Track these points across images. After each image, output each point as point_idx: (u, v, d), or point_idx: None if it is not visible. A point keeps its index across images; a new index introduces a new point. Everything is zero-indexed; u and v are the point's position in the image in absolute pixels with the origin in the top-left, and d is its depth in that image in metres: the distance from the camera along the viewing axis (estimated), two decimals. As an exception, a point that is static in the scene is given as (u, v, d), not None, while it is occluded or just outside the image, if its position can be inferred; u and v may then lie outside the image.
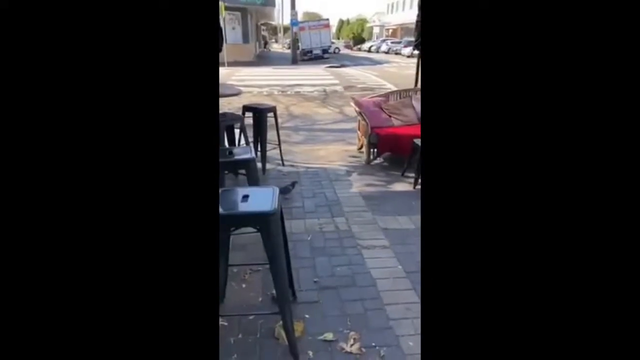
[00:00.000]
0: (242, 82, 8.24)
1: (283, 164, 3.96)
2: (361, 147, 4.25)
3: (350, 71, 9.39)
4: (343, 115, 6.35)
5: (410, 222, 2.32)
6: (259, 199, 1.23)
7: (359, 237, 2.54)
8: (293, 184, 3.15)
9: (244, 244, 2.01)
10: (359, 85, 8.53)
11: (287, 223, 2.18)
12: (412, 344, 1.31)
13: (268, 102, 6.41)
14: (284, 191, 3.13)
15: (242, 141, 2.88)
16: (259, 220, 1.14)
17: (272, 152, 4.07)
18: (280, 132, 4.46)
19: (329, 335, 1.42)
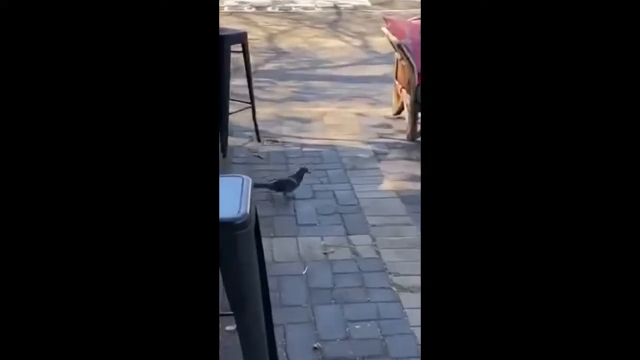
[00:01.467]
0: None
1: (259, 139, 3.95)
2: (400, 110, 4.36)
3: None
4: (367, 50, 6.32)
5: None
6: None
7: (395, 271, 2.59)
8: (300, 174, 3.27)
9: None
10: (402, -1, 8.44)
11: (266, 244, 2.15)
12: None
13: (234, 25, 6.33)
14: (283, 186, 3.27)
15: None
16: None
17: (239, 117, 4.04)
18: (256, 81, 4.43)
19: None
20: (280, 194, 3.29)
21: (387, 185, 3.46)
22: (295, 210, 3.24)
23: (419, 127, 3.88)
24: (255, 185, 3.49)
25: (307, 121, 4.64)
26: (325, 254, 2.81)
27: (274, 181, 3.30)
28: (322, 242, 2.91)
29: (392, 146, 4.07)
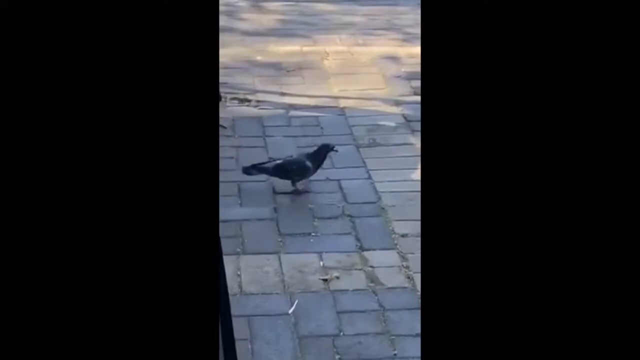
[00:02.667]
0: None
1: (219, 97, 4.14)
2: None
3: None
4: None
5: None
6: None
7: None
8: (320, 153, 3.51)
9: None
10: None
11: (230, 265, 2.32)
12: None
13: None
14: (288, 171, 3.50)
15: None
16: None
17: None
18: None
19: None
20: (285, 183, 3.39)
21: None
22: (276, 212, 3.30)
23: None
24: (246, 170, 3.29)
25: (299, 68, 4.76)
26: (325, 280, 2.85)
27: (276, 162, 3.41)
28: (321, 263, 2.95)
29: None
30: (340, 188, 3.52)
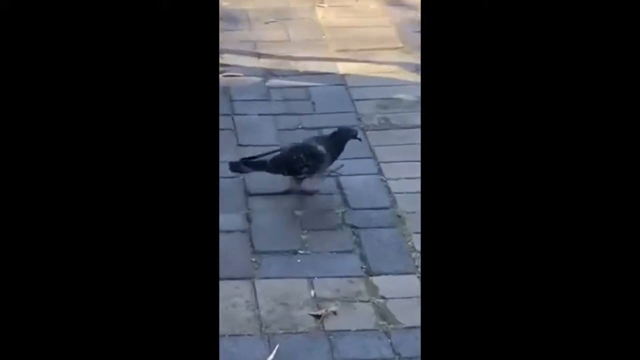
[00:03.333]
0: None
1: None
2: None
3: None
4: None
5: None
6: None
7: None
8: (337, 139, 3.51)
9: None
10: None
11: None
12: None
13: None
14: (295, 164, 3.49)
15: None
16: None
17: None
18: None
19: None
20: (285, 181, 3.44)
21: None
22: (249, 220, 3.28)
23: None
24: (235, 167, 3.62)
25: (281, 19, 4.86)
26: (317, 317, 2.80)
27: (275, 153, 3.43)
28: (312, 292, 2.91)
29: None
30: (340, 188, 3.48)
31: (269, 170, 3.42)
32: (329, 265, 3.09)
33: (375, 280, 3.00)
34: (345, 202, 3.43)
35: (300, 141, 3.49)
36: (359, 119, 3.94)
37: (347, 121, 3.86)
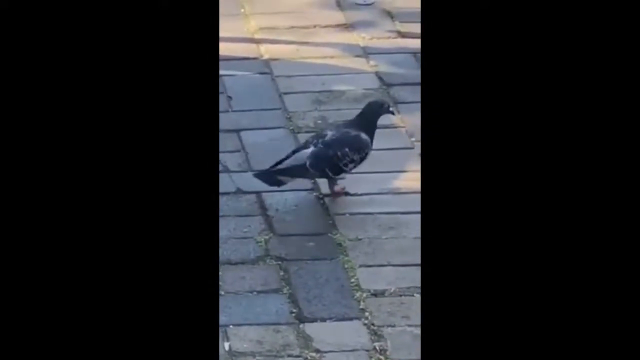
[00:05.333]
0: None
1: None
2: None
3: None
4: None
5: None
6: None
7: None
8: (374, 115, 3.32)
9: None
10: None
11: None
12: None
13: None
14: (326, 160, 3.21)
15: None
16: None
17: None
18: None
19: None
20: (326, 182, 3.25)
21: (415, 165, 3.30)
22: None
23: None
24: (268, 178, 3.24)
25: None
26: None
27: (306, 151, 3.18)
28: (227, 345, 2.66)
29: None
30: (262, 207, 3.20)
31: (307, 176, 3.21)
32: (248, 309, 2.82)
33: (308, 328, 2.72)
34: (270, 226, 3.17)
35: (332, 132, 3.24)
36: (288, 118, 3.69)
37: (272, 121, 3.66)
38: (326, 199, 3.33)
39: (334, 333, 2.70)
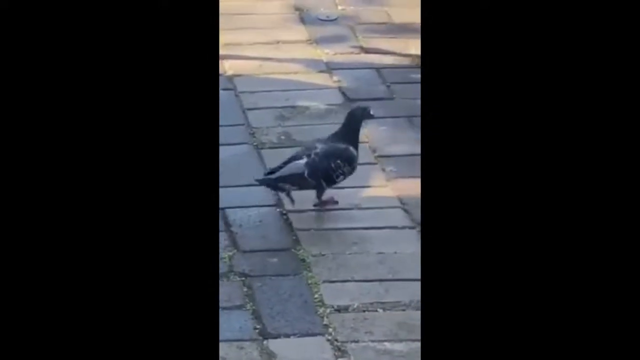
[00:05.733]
0: None
1: None
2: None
3: None
4: None
5: None
6: None
7: None
8: (357, 121, 3.38)
9: None
10: None
11: None
12: None
13: None
14: (319, 171, 3.25)
15: None
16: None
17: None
18: None
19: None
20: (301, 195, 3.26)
21: (379, 180, 3.40)
22: None
23: None
24: (274, 184, 3.30)
25: None
26: None
27: (299, 162, 3.20)
28: None
29: (385, 78, 4.06)
30: (226, 224, 3.20)
31: (305, 185, 3.22)
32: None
33: (272, 344, 2.71)
34: (234, 242, 3.16)
35: (321, 146, 3.26)
36: (252, 134, 3.70)
37: (235, 137, 3.64)
38: (290, 215, 3.32)
39: (298, 349, 2.69)
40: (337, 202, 3.29)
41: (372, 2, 4.54)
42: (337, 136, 3.30)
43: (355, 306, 2.80)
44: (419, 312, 2.79)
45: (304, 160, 3.23)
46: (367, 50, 4.30)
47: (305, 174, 3.21)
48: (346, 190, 3.38)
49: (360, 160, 3.42)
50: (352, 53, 4.30)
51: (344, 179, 3.24)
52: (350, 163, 3.23)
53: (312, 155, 3.24)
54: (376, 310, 2.80)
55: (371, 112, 3.32)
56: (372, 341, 2.68)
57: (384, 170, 3.35)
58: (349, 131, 3.29)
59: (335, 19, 4.44)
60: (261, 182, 3.32)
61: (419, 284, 2.95)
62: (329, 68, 4.01)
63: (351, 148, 3.24)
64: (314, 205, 3.27)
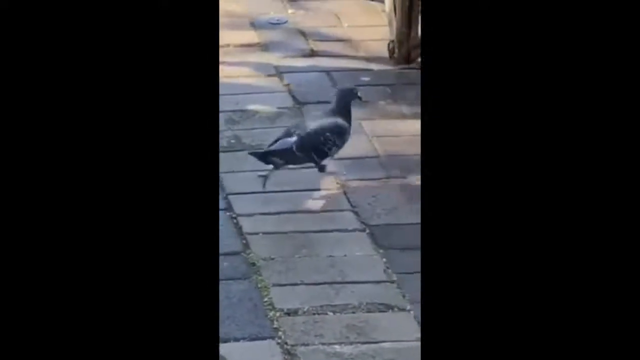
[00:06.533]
0: None
1: None
2: None
3: None
4: None
5: None
6: None
7: None
8: (346, 101, 3.43)
9: None
10: None
11: None
12: None
13: None
14: (312, 146, 3.32)
15: None
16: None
17: None
18: None
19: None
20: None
21: (328, 183, 3.40)
22: None
23: (420, 31, 4.08)
24: (265, 158, 3.37)
25: None
26: None
27: (290, 139, 3.26)
28: None
29: (359, 75, 4.09)
30: None
31: (295, 160, 3.30)
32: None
33: (222, 348, 2.49)
34: None
35: (308, 122, 3.38)
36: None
37: None
38: (239, 218, 3.30)
39: (248, 353, 2.69)
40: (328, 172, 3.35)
41: (322, 6, 4.49)
42: (328, 112, 3.36)
43: (305, 309, 2.80)
44: (368, 314, 2.80)
45: (294, 138, 3.26)
46: (317, 54, 4.34)
47: (294, 148, 3.24)
48: (295, 193, 3.39)
49: (308, 163, 3.43)
50: (302, 56, 4.33)
51: (338, 149, 3.28)
52: (340, 135, 3.28)
53: (300, 132, 3.28)
54: (326, 313, 2.80)
55: (359, 95, 3.38)
56: (322, 344, 2.68)
57: (333, 173, 3.32)
58: (339, 107, 3.33)
59: (285, 23, 4.40)
60: (253, 155, 3.34)
61: (368, 286, 2.91)
62: (279, 72, 4.00)
63: (340, 120, 3.28)
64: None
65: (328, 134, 3.29)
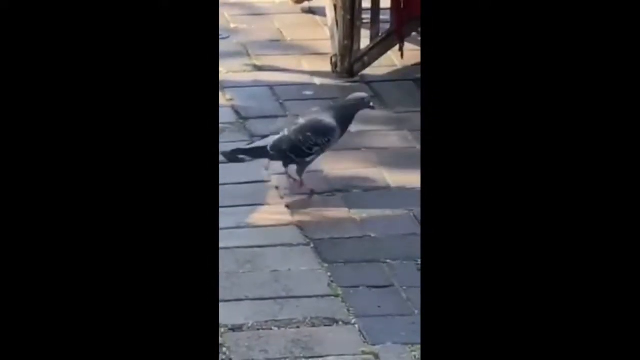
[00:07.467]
0: None
1: None
2: None
3: None
4: None
5: None
6: None
7: None
8: (354, 109, 3.40)
9: None
10: None
11: None
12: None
13: None
14: (290, 146, 3.25)
15: None
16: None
17: None
18: None
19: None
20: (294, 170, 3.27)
21: (272, 198, 3.36)
22: None
23: (362, 44, 4.12)
24: (231, 156, 3.34)
25: None
26: None
27: (275, 137, 3.23)
28: None
29: (305, 89, 4.07)
30: None
31: (269, 158, 3.26)
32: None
33: None
34: None
35: (299, 120, 3.29)
36: None
37: None
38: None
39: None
40: (312, 192, 3.24)
41: (264, 20, 4.44)
42: (324, 110, 3.31)
43: (249, 325, 2.77)
44: (313, 329, 2.79)
45: (278, 135, 3.23)
46: (260, 68, 4.32)
47: (268, 147, 3.21)
48: (238, 208, 3.36)
49: (252, 178, 3.40)
50: (244, 71, 4.30)
51: (321, 150, 3.20)
52: (324, 135, 3.18)
53: (287, 130, 3.23)
54: (270, 329, 2.78)
55: (371, 104, 3.31)
56: (267, 359, 2.68)
57: (277, 188, 3.29)
58: (341, 109, 3.27)
59: (228, 37, 4.37)
60: (222, 154, 3.21)
61: (312, 300, 2.89)
62: (222, 86, 3.90)
63: (327, 119, 3.20)
64: (289, 177, 3.25)
65: (309, 133, 3.21)
